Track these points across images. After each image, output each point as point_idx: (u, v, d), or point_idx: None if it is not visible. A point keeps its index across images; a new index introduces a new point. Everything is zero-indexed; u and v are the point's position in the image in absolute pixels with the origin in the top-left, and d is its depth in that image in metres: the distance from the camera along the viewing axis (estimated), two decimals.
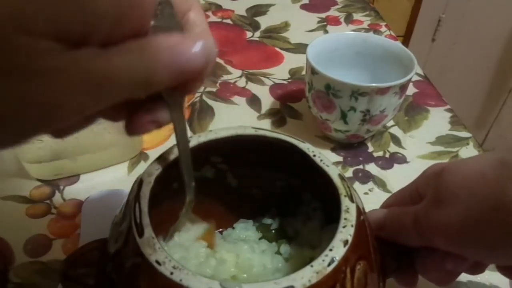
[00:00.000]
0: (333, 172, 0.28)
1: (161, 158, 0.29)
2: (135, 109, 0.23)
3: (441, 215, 0.26)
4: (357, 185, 0.47)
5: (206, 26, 0.23)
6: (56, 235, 0.40)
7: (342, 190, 0.27)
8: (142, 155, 0.48)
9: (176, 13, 0.22)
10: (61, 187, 0.44)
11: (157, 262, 0.22)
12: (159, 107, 0.23)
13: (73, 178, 0.45)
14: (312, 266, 0.22)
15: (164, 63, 0.19)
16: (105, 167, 0.46)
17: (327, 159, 0.30)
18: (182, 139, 0.26)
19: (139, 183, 0.27)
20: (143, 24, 0.19)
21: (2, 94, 0.16)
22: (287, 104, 0.57)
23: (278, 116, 0.55)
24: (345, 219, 0.25)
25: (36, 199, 0.43)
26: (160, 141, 0.49)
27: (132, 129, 0.23)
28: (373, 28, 0.75)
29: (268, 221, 0.36)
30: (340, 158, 0.50)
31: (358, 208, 0.27)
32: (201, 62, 0.20)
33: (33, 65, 0.16)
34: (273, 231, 0.36)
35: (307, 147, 0.30)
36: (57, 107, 0.17)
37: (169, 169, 0.28)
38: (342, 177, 0.28)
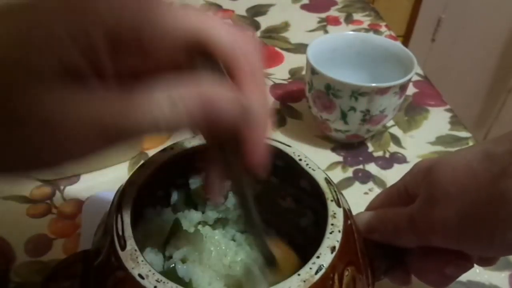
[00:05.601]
0: (320, 177, 0.28)
1: (144, 166, 0.28)
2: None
3: (437, 214, 0.26)
4: (357, 185, 0.47)
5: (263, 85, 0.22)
6: (57, 235, 0.40)
7: (328, 195, 0.26)
8: (142, 155, 0.48)
9: (221, 67, 0.21)
10: (62, 187, 0.44)
11: (140, 276, 0.21)
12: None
13: (74, 178, 0.45)
14: (299, 274, 0.22)
15: (186, 109, 0.18)
16: (105, 167, 0.46)
17: (313, 163, 0.29)
18: (242, 199, 0.25)
19: (121, 192, 0.26)
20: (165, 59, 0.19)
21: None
22: (287, 104, 0.58)
23: (278, 116, 0.55)
24: (332, 224, 0.25)
25: (37, 199, 0.43)
26: (160, 141, 0.49)
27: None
28: (373, 28, 0.75)
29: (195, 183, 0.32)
30: (340, 158, 0.50)
31: (345, 212, 0.26)
32: (231, 117, 0.19)
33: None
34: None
35: (292, 151, 0.29)
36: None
37: (152, 177, 0.27)
38: (328, 181, 0.28)
